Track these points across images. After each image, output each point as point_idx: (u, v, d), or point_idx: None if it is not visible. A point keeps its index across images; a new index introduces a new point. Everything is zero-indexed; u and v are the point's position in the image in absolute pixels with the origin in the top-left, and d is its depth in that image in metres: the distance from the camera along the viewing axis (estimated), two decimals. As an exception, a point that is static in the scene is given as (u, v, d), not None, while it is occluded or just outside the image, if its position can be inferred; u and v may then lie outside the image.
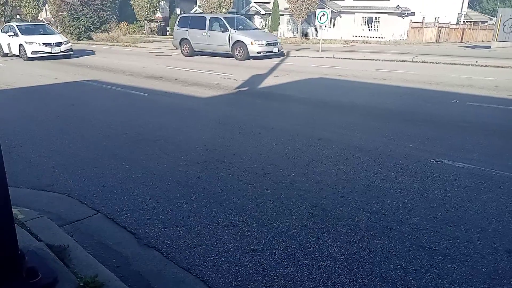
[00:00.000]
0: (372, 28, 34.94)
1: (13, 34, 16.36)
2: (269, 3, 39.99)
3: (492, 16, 44.70)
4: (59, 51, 16.23)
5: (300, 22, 32.83)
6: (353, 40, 32.54)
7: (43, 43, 15.81)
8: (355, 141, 5.42)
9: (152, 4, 36.77)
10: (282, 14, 37.84)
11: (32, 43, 15.67)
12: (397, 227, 3.13)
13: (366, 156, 4.80)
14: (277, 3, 36.50)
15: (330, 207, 3.48)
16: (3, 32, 17.36)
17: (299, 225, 3.20)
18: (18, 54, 16.25)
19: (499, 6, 43.41)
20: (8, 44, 16.82)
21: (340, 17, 36.57)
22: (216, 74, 12.23)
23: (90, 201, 3.65)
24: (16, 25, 17.13)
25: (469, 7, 48.82)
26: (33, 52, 15.60)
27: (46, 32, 17.20)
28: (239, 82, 10.52)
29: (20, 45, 15.97)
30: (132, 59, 16.66)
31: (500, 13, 24.09)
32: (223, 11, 31.29)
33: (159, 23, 44.39)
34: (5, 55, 17.32)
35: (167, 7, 42.71)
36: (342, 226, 3.17)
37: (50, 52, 15.95)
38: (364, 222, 3.22)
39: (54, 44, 16.11)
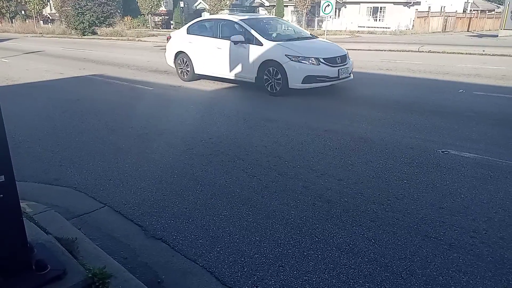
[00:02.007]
0: (378, 18, 34.59)
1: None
2: (273, -6, 39.71)
3: (500, 4, 43.97)
4: None
5: (305, 13, 32.58)
6: (358, 31, 32.24)
7: None
8: (361, 132, 5.40)
9: (155, -2, 36.69)
10: (287, 6, 37.55)
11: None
12: (402, 218, 3.13)
13: (372, 147, 4.79)
14: (281, -6, 36.23)
15: (335, 198, 3.49)
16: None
17: (304, 216, 3.21)
18: None
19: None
20: None
21: (345, 7, 36.21)
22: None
23: (97, 195, 3.69)
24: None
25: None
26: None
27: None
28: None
29: None
30: (136, 53, 16.66)
31: (508, 1, 23.71)
32: (226, 3, 31.06)
33: (163, 16, 44.34)
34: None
35: (171, 0, 42.57)
36: (347, 217, 3.18)
37: None
38: (370, 213, 3.22)
39: None
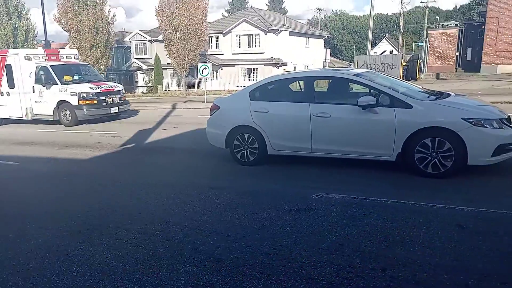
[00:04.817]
0: (252, 78, 37.53)
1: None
2: (150, 58, 40.26)
3: (351, 62, 52.01)
4: None
5: (184, 76, 33.62)
6: (236, 90, 34.42)
7: None
8: (245, 186, 5.61)
9: None
10: (165, 69, 38.35)
11: None
12: (288, 264, 3.27)
13: (256, 200, 4.98)
14: (159, 58, 36.97)
15: (225, 256, 3.48)
16: None
17: (195, 280, 3.11)
18: None
19: (355, 53, 50.79)
20: None
21: (222, 69, 38.62)
22: (98, 132, 11.61)
23: None
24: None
25: (332, 55, 56.25)
26: None
27: None
28: (124, 139, 10.14)
29: None
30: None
31: (356, 59, 28.21)
32: (101, 68, 30.34)
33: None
34: None
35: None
36: (237, 273, 3.18)
37: None
38: (258, 265, 3.28)
39: None
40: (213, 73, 34.64)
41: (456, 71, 31.19)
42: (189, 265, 3.36)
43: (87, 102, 13.20)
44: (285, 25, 37.48)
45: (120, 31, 45.38)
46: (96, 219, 4.57)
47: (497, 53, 26.84)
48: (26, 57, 13.80)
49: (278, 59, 36.08)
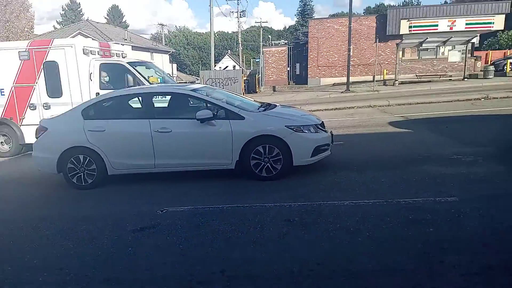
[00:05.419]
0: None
1: None
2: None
3: (198, 77, 53.47)
4: None
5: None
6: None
7: None
8: (83, 211, 5.20)
9: None
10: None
11: None
12: (129, 287, 3.17)
13: (94, 223, 4.66)
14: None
15: (57, 292, 3.16)
16: None
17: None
18: None
19: (201, 68, 52.40)
20: None
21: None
22: None
23: None
24: None
25: (179, 70, 56.72)
26: None
27: None
28: None
29: None
30: None
31: (201, 74, 29.10)
32: None
33: None
34: None
35: None
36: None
37: None
38: (96, 294, 3.09)
39: None
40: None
41: (289, 84, 35.21)
42: (11, 311, 2.94)
43: None
44: (126, 40, 36.15)
45: None
46: None
47: (319, 67, 31.35)
48: (85, 51, 9.42)
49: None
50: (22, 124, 9.47)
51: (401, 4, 67.89)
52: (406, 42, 24.81)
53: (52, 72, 9.26)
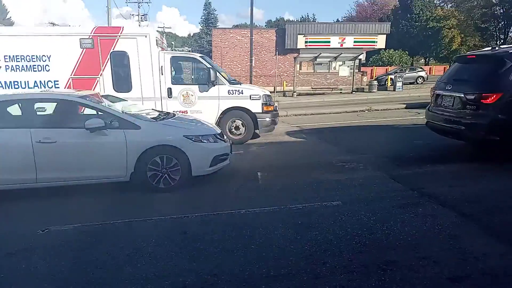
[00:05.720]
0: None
1: None
2: None
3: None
4: None
5: None
6: None
7: None
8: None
9: None
10: None
11: None
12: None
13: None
14: None
15: None
16: None
17: None
18: None
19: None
20: None
21: None
22: None
23: None
24: None
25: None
26: None
27: None
28: None
29: None
30: None
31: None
32: None
33: None
34: None
35: None
36: None
37: None
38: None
39: None
40: None
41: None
42: None
43: (269, 108, 9.53)
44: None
45: None
46: None
47: (223, 76, 31.92)
48: (158, 42, 8.55)
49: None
50: None
51: (299, 20, 72.90)
52: (302, 56, 26.63)
53: (120, 63, 8.44)
